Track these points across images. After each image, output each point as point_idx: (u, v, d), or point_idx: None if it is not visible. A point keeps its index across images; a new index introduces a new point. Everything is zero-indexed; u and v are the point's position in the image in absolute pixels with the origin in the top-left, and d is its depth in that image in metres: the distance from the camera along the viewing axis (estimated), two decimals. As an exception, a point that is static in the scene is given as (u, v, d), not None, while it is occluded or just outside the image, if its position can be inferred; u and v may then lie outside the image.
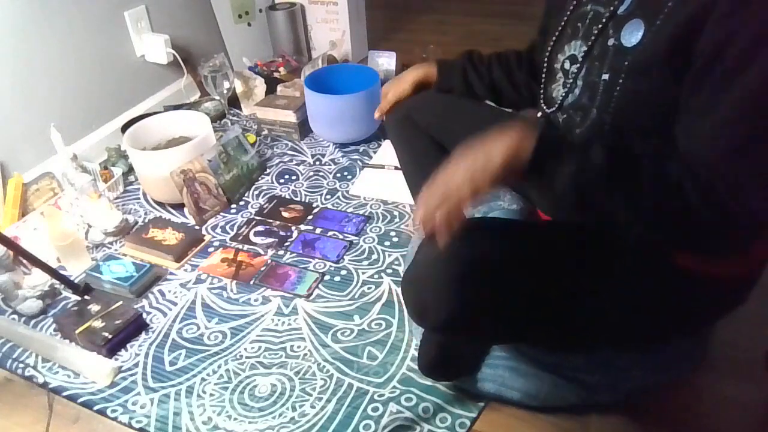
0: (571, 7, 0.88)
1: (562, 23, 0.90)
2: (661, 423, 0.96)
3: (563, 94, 0.87)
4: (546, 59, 0.93)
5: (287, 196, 1.56)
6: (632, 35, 0.75)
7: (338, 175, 1.63)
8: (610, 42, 0.78)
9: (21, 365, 1.12)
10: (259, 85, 1.94)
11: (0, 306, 1.26)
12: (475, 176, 0.72)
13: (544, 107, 0.92)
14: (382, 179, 1.58)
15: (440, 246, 0.74)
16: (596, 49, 0.80)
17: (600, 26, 0.80)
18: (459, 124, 1.18)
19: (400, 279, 1.25)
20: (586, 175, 0.71)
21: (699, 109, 0.69)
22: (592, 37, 0.81)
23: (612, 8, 0.79)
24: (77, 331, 1.13)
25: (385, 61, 2.03)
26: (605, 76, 0.77)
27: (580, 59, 0.83)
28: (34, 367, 1.12)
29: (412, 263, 0.84)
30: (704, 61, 0.67)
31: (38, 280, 1.25)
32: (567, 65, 0.87)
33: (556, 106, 0.88)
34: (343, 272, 1.29)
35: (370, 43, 2.34)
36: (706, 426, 0.95)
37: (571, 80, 0.85)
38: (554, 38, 0.91)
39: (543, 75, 0.93)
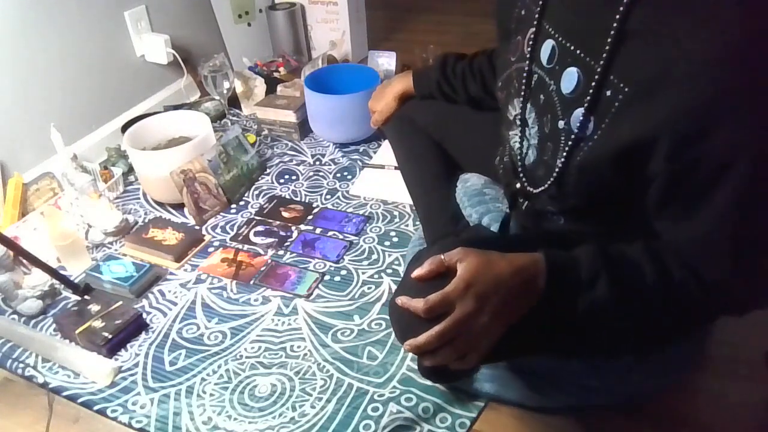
0: (514, 58, 0.83)
1: (508, 66, 0.86)
2: (661, 423, 0.96)
3: (519, 147, 0.84)
4: (501, 103, 0.89)
5: (287, 196, 1.56)
6: (583, 125, 0.71)
7: (338, 175, 1.63)
8: (561, 124, 0.74)
9: (21, 365, 1.12)
10: (259, 85, 1.94)
11: (0, 306, 1.27)
12: (500, 319, 0.69)
13: (520, 169, 0.87)
14: (382, 179, 1.58)
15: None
16: (546, 126, 0.77)
17: (546, 99, 0.77)
18: (457, 124, 1.18)
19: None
20: (596, 311, 0.69)
21: (676, 217, 0.68)
22: (540, 107, 0.78)
23: (556, 84, 0.75)
24: (77, 331, 1.13)
25: (385, 61, 2.03)
26: (560, 162, 0.75)
27: (530, 126, 0.81)
28: (34, 367, 1.12)
29: (400, 283, 0.82)
30: (667, 181, 0.65)
31: (38, 280, 1.25)
32: (518, 122, 0.83)
33: (525, 168, 0.85)
34: (343, 272, 1.29)
35: (370, 43, 2.34)
36: (706, 426, 0.95)
37: (525, 141, 0.83)
38: (502, 82, 0.88)
39: (507, 123, 0.89)
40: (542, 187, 0.80)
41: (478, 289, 0.68)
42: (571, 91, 0.72)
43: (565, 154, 0.74)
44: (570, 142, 0.73)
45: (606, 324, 0.72)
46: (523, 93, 0.81)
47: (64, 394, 1.07)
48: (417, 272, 0.72)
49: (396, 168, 1.55)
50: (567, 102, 0.73)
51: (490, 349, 0.71)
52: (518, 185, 0.87)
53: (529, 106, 0.81)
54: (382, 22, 2.63)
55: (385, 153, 1.68)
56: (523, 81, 0.80)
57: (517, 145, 0.85)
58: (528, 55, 0.79)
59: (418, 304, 0.69)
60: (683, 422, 0.96)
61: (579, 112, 0.71)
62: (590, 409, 0.97)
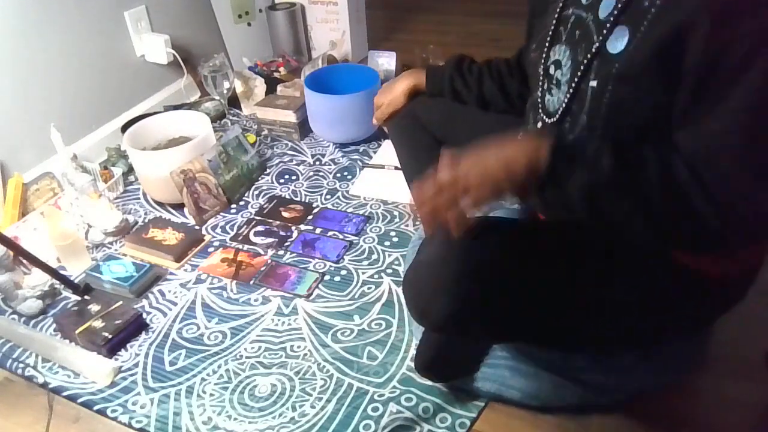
0: (558, 11, 0.87)
1: (547, 27, 0.89)
2: (662, 423, 0.96)
3: (549, 100, 0.86)
4: (533, 64, 0.92)
5: (287, 196, 1.56)
6: (618, 42, 0.74)
7: (338, 175, 1.63)
8: (595, 48, 0.77)
9: (21, 365, 1.12)
10: (259, 85, 1.94)
11: (0, 306, 1.26)
12: (499, 174, 0.71)
13: (545, 117, 0.90)
14: (382, 179, 1.58)
15: (452, 235, 0.74)
16: (581, 55, 0.79)
17: (584, 31, 0.79)
18: (463, 124, 1.18)
19: (401, 279, 1.25)
20: (596, 184, 0.70)
21: (700, 118, 0.69)
22: (575, 42, 0.81)
23: (593, 14, 0.78)
24: (77, 331, 1.13)
25: (385, 61, 2.03)
26: (593, 83, 0.77)
27: (564, 64, 0.83)
28: (34, 367, 1.12)
29: (413, 262, 0.84)
30: (697, 72, 0.67)
31: (38, 280, 1.25)
32: (552, 70, 0.85)
33: (546, 111, 0.87)
34: (343, 272, 1.29)
35: (370, 43, 2.34)
36: (706, 426, 0.95)
37: (555, 85, 0.84)
38: (537, 42, 0.90)
39: (539, 83, 0.91)
40: (576, 126, 0.81)
41: (479, 151, 0.73)
42: (609, 14, 0.75)
43: (599, 70, 0.76)
44: (604, 60, 0.75)
45: (606, 206, 0.72)
46: (550, 38, 0.86)
47: (64, 394, 1.07)
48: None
49: (396, 168, 1.55)
50: (602, 24, 0.76)
51: (487, 194, 0.73)
52: (540, 124, 0.88)
53: (564, 47, 0.83)
54: (382, 22, 2.63)
55: (385, 153, 1.68)
56: (553, 24, 0.85)
57: (548, 100, 0.87)
58: (561, 4, 0.84)
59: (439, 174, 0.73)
60: (683, 422, 0.96)
61: (616, 30, 0.74)
62: (590, 409, 0.97)
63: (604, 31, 0.76)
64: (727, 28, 0.64)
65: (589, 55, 0.77)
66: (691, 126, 0.70)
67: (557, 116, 0.83)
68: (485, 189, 0.72)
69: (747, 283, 0.86)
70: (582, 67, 0.78)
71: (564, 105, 0.82)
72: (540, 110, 0.88)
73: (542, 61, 0.88)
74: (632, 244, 0.80)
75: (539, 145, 0.71)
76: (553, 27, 0.87)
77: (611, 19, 0.75)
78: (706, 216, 0.68)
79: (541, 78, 0.88)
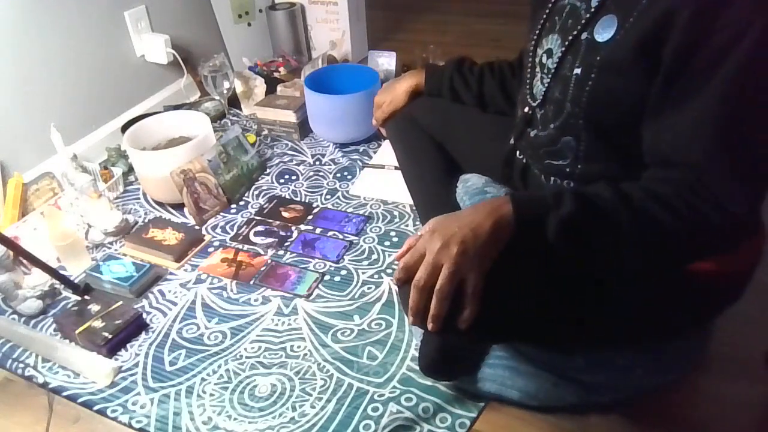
0: (552, 2, 0.88)
1: (543, 18, 0.90)
2: (661, 423, 0.96)
3: (540, 89, 0.88)
4: (527, 53, 0.94)
5: (287, 196, 1.56)
6: (605, 31, 0.75)
7: (338, 175, 1.63)
8: (584, 36, 0.78)
9: (21, 365, 1.12)
10: (259, 85, 1.94)
11: (0, 306, 1.27)
12: (475, 247, 0.71)
13: (531, 102, 0.92)
14: (382, 179, 1.58)
15: (431, 326, 0.75)
16: (568, 40, 0.81)
17: (575, 20, 0.81)
18: (463, 125, 1.18)
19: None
20: (567, 228, 0.70)
21: (673, 109, 0.69)
22: (567, 30, 0.82)
23: (586, 3, 0.79)
24: (77, 331, 1.13)
25: (385, 61, 2.03)
26: (577, 71, 0.78)
27: (555, 53, 0.84)
28: (34, 367, 1.12)
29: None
30: (674, 62, 0.68)
31: (38, 280, 1.25)
32: (544, 59, 0.87)
33: (537, 101, 0.89)
34: (343, 272, 1.29)
35: (370, 43, 2.34)
36: (706, 426, 0.95)
37: (546, 74, 0.86)
38: (535, 34, 0.92)
39: (528, 71, 0.94)
40: (560, 114, 0.82)
41: (442, 232, 0.72)
42: (598, 2, 0.77)
43: (584, 58, 0.77)
44: (590, 48, 0.77)
45: (582, 243, 0.73)
46: (542, 27, 0.87)
47: (64, 394, 1.07)
48: (397, 255, 0.78)
49: (396, 168, 1.55)
50: (593, 14, 0.77)
51: (481, 286, 0.72)
52: (527, 109, 0.90)
53: (556, 36, 0.84)
54: (382, 22, 2.63)
55: (385, 153, 1.68)
56: (547, 11, 0.87)
57: (540, 89, 0.88)
58: None
59: (397, 274, 0.76)
60: (683, 422, 0.96)
61: (604, 19, 0.76)
62: (590, 409, 0.97)
63: (592, 19, 0.77)
64: (707, 18, 0.64)
65: (577, 45, 0.78)
66: (664, 117, 0.70)
67: (539, 100, 0.86)
68: (458, 259, 0.71)
69: (744, 281, 0.86)
70: (569, 56, 0.79)
71: (545, 89, 0.83)
72: (528, 97, 0.90)
73: (535, 49, 0.89)
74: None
75: (500, 203, 0.72)
76: (545, 16, 0.88)
77: (599, 6, 0.76)
78: (711, 218, 0.68)
79: (530, 67, 0.90)
